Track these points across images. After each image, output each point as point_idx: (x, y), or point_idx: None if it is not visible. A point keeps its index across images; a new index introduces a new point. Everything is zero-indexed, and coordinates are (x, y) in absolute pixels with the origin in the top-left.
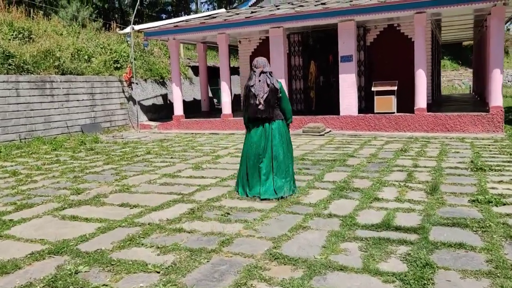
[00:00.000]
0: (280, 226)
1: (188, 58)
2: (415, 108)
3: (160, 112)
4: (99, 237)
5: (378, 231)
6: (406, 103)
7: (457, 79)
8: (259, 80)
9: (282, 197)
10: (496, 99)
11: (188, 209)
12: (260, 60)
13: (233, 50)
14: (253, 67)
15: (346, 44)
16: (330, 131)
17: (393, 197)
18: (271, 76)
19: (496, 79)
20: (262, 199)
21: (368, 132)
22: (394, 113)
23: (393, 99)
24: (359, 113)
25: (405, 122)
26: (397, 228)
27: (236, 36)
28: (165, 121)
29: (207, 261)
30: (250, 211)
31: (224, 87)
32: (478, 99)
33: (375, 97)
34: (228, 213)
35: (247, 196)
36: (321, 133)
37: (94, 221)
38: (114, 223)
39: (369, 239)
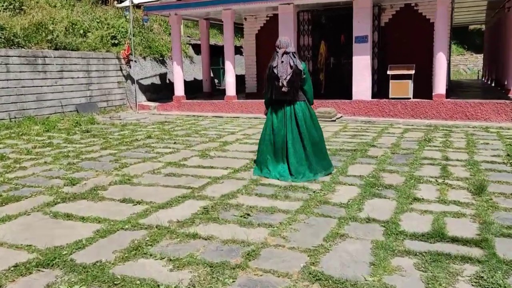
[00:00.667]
0: (313, 232)
1: (188, 36)
2: (433, 94)
3: (159, 92)
4: (98, 244)
5: (431, 242)
6: (421, 88)
7: (463, 64)
8: (282, 61)
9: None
10: None
11: (200, 207)
12: (283, 40)
13: (235, 29)
14: (276, 48)
15: (361, 24)
16: (341, 116)
17: (434, 197)
18: (295, 56)
19: None
20: (292, 181)
21: (382, 119)
22: (410, 98)
23: (409, 83)
24: (371, 97)
25: (423, 109)
26: (454, 240)
27: (242, 13)
28: (165, 102)
29: (233, 281)
30: (273, 211)
31: (229, 67)
32: (492, 85)
33: (391, 81)
34: (248, 214)
35: (266, 177)
36: (332, 119)
37: (91, 221)
38: (116, 225)
39: (424, 254)
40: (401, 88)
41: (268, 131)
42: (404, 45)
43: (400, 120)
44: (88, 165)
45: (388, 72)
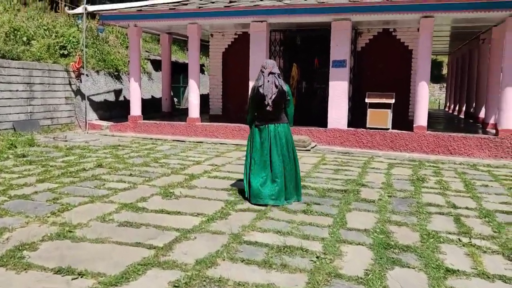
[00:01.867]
0: None
1: (147, 51)
2: (414, 125)
3: (113, 110)
4: None
5: None
6: (397, 117)
7: None
8: (268, 81)
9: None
10: (508, 121)
11: (169, 284)
12: (269, 62)
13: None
14: (261, 68)
15: (340, 47)
16: (316, 145)
17: (469, 266)
18: (280, 78)
19: (508, 99)
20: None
21: (359, 150)
22: (389, 129)
23: (389, 113)
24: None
25: (402, 141)
26: None
27: (208, 29)
28: (119, 121)
29: None
30: None
31: (193, 86)
32: (461, 116)
33: (368, 110)
34: None
35: (252, 202)
36: (306, 148)
37: None
38: None
39: None
40: (380, 118)
41: (253, 152)
42: (380, 71)
43: (379, 153)
44: (16, 207)
45: (367, 100)
